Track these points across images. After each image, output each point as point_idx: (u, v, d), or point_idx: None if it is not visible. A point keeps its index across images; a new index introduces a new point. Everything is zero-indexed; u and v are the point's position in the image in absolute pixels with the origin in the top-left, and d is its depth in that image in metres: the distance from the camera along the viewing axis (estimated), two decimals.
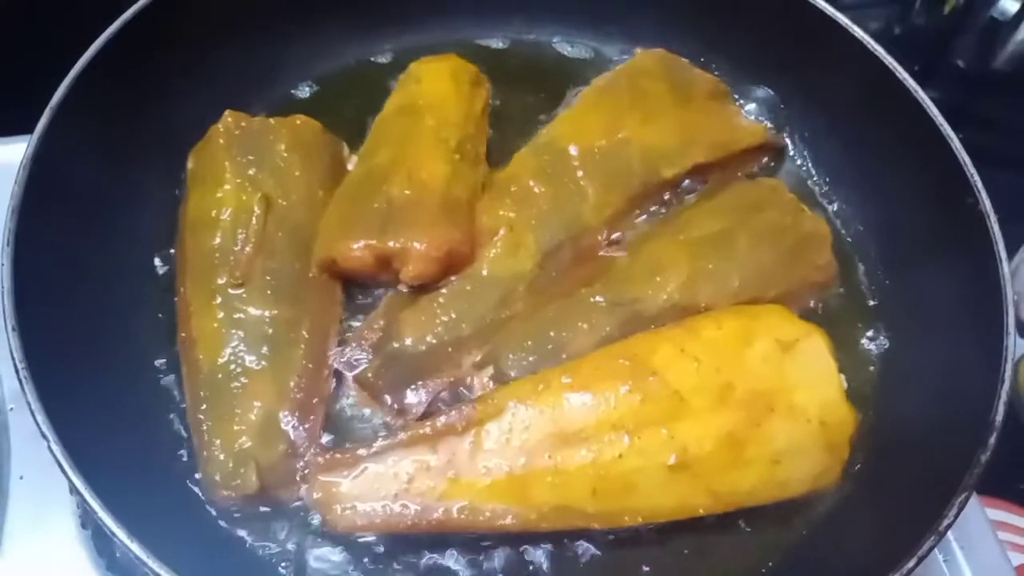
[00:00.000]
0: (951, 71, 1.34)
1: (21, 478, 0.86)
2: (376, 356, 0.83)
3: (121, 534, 0.62)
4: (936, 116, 0.87)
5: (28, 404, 0.66)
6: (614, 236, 0.91)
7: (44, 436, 0.65)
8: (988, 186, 0.83)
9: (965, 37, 1.33)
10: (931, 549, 0.68)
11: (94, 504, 0.63)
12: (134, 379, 0.82)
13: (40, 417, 0.66)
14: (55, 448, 0.65)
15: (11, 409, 0.88)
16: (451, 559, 0.77)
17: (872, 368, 0.89)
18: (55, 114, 0.81)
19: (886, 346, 0.90)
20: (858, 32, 0.93)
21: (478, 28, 1.09)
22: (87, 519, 0.83)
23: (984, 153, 0.86)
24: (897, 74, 0.90)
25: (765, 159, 1.01)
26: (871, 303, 0.93)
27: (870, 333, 0.91)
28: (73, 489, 0.64)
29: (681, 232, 0.89)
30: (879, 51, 0.91)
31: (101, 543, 0.82)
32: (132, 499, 0.67)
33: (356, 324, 0.87)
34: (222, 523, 0.77)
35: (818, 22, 0.95)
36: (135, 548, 0.62)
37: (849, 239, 0.96)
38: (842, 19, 0.94)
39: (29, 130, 0.81)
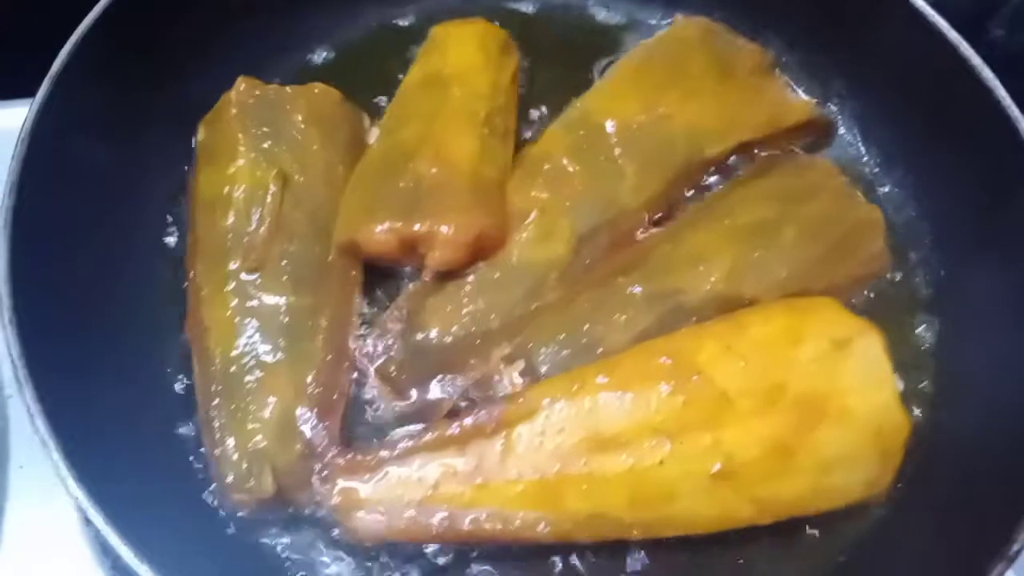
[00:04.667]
0: (986, 40, 1.26)
1: (21, 467, 0.83)
2: (400, 348, 0.78)
3: (129, 555, 0.58)
4: (1004, 97, 0.80)
5: (27, 407, 0.62)
6: (654, 220, 0.85)
7: (44, 443, 0.61)
8: None
9: (1002, 5, 1.25)
10: None
11: (100, 522, 0.59)
12: (141, 372, 0.78)
13: (40, 422, 0.61)
14: (56, 456, 0.60)
15: (9, 396, 0.84)
16: (478, 570, 0.73)
17: (926, 367, 0.84)
18: (55, 83, 0.76)
19: (942, 343, 0.85)
20: (919, 2, 0.86)
21: None
22: None
23: None
24: (961, 49, 0.83)
25: (812, 137, 0.94)
26: (925, 295, 0.87)
27: (924, 328, 0.85)
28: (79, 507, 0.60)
29: (726, 218, 0.83)
30: (942, 23, 0.85)
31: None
32: (139, 508, 0.63)
33: (378, 313, 0.82)
34: (234, 529, 0.73)
35: None
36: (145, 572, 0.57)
37: (902, 226, 0.90)
38: None
39: (29, 94, 0.75)
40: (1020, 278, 0.79)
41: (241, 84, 0.86)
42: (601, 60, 0.97)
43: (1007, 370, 0.77)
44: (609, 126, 0.86)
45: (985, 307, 0.83)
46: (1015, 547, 0.63)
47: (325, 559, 0.73)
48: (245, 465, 0.72)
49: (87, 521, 0.78)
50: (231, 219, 0.80)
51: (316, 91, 0.88)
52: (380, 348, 0.78)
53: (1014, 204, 0.80)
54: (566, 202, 0.83)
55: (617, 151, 0.85)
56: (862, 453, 0.72)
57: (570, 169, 0.85)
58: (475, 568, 0.74)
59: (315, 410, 0.74)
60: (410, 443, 0.71)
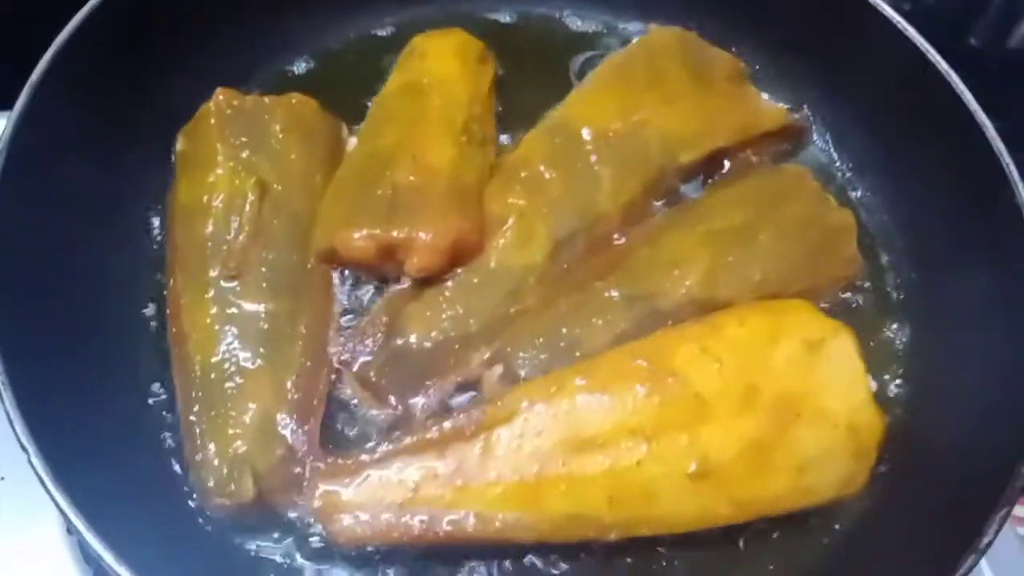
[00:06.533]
0: (965, 51, 1.28)
1: (3, 479, 0.82)
2: (379, 353, 0.78)
3: (109, 557, 0.58)
4: (970, 102, 0.82)
5: (7, 412, 0.62)
6: (630, 225, 0.86)
7: (24, 448, 0.61)
8: None
9: (980, 16, 1.28)
10: (971, 568, 0.64)
11: (80, 524, 0.59)
12: (122, 380, 0.78)
13: (20, 427, 0.62)
14: (35, 461, 0.61)
15: None
16: (462, 572, 0.73)
17: (898, 368, 0.85)
18: (34, 94, 0.76)
19: (913, 345, 0.85)
20: (888, 11, 0.88)
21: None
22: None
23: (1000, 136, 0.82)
24: (930, 56, 0.85)
25: (785, 144, 0.96)
26: (897, 298, 0.88)
27: (896, 330, 0.86)
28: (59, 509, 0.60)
29: (701, 222, 0.84)
30: (910, 31, 0.87)
31: (88, 548, 0.77)
32: (119, 512, 0.64)
33: (357, 319, 0.82)
34: (215, 533, 0.73)
35: None
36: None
37: (874, 230, 0.92)
38: None
39: (5, 105, 0.76)
40: (990, 285, 0.80)
41: (219, 95, 0.86)
42: (577, 68, 0.98)
43: (976, 371, 0.79)
44: (585, 133, 0.87)
45: (955, 310, 0.84)
46: (985, 539, 0.65)
47: (307, 563, 0.73)
48: (226, 470, 0.72)
49: (69, 532, 0.79)
50: (210, 227, 0.80)
51: (294, 101, 0.88)
52: (359, 354, 0.79)
53: (983, 209, 0.81)
54: (543, 208, 0.84)
55: (593, 158, 0.86)
56: (837, 452, 0.73)
57: (547, 176, 0.85)
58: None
59: (295, 415, 0.74)
60: (390, 447, 0.71)
